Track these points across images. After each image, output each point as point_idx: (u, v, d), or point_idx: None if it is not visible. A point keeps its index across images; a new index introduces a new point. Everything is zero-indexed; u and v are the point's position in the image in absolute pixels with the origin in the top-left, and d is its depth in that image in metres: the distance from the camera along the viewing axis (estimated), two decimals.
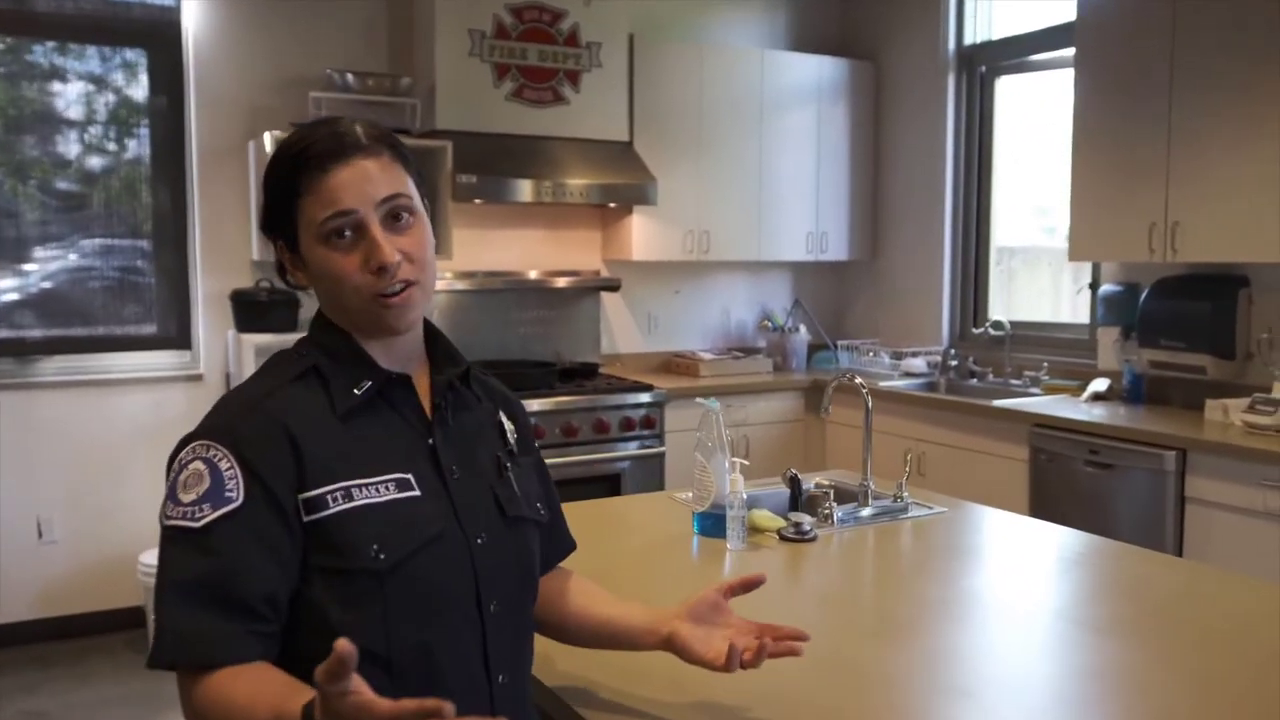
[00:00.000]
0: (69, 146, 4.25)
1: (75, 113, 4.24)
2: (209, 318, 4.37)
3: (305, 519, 1.12)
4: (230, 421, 1.15)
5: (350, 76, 4.19)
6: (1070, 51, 4.35)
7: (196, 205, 4.34)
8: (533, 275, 4.95)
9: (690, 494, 2.30)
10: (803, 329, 5.48)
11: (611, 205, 4.89)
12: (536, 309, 5.02)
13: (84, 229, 4.27)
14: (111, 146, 4.32)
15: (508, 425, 1.35)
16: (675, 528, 2.29)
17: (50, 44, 4.17)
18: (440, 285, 4.59)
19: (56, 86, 4.20)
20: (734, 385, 4.88)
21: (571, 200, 4.56)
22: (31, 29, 4.14)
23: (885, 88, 5.53)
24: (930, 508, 2.40)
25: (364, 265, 1.16)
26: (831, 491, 2.27)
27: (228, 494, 1.09)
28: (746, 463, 2.12)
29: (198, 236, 4.35)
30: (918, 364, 5.01)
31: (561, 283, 4.96)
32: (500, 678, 1.22)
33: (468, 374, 1.29)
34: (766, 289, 5.67)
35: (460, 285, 4.70)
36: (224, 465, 1.10)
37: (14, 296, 4.16)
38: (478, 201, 4.47)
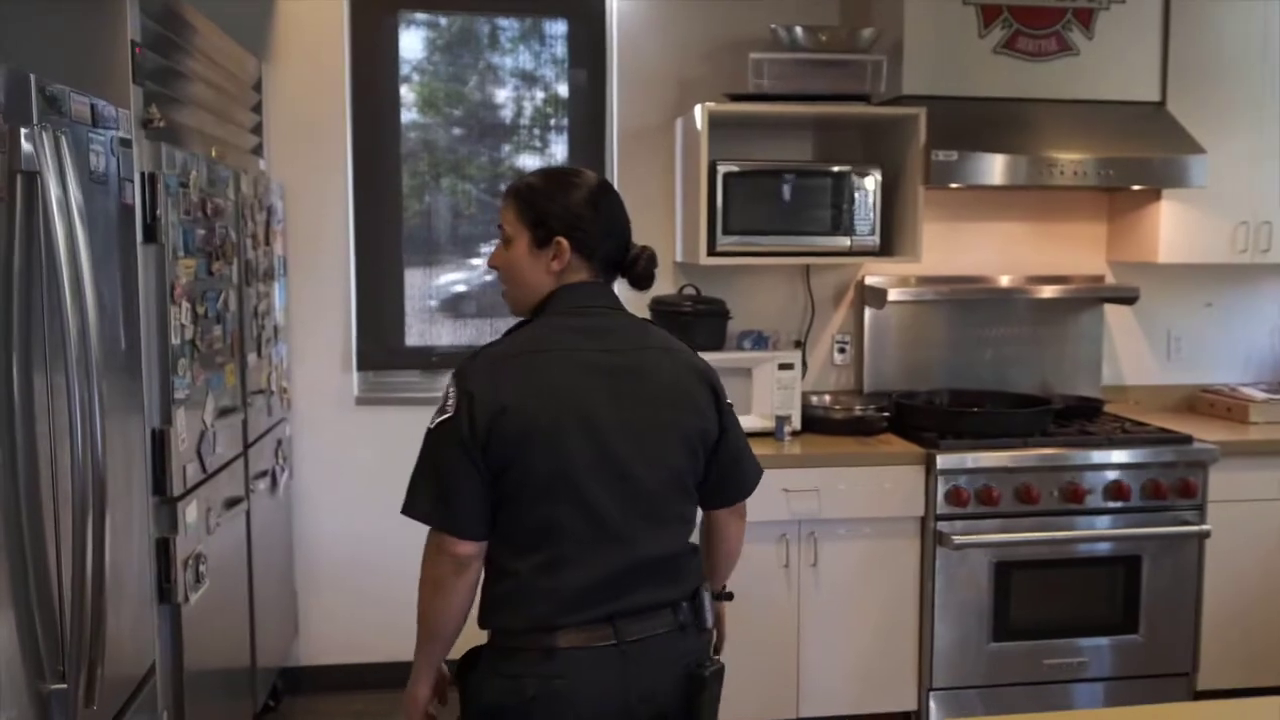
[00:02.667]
0: (503, 144, 3.81)
1: (508, 112, 3.79)
2: None
3: None
4: None
5: (800, 31, 3.33)
6: None
7: None
8: (1007, 282, 3.84)
9: None
10: None
11: (1135, 188, 3.64)
12: (1016, 325, 3.90)
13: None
14: (537, 143, 3.82)
15: None
16: None
17: (484, 42, 3.73)
18: (894, 295, 3.63)
19: (490, 86, 3.76)
20: None
21: (1070, 182, 3.39)
22: (458, 2, 3.71)
23: None
24: None
25: None
26: None
27: None
28: None
29: None
30: None
31: (1050, 292, 3.79)
32: None
33: None
34: None
35: (915, 294, 3.70)
36: None
37: (432, 303, 3.79)
38: (954, 185, 3.44)
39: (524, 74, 3.79)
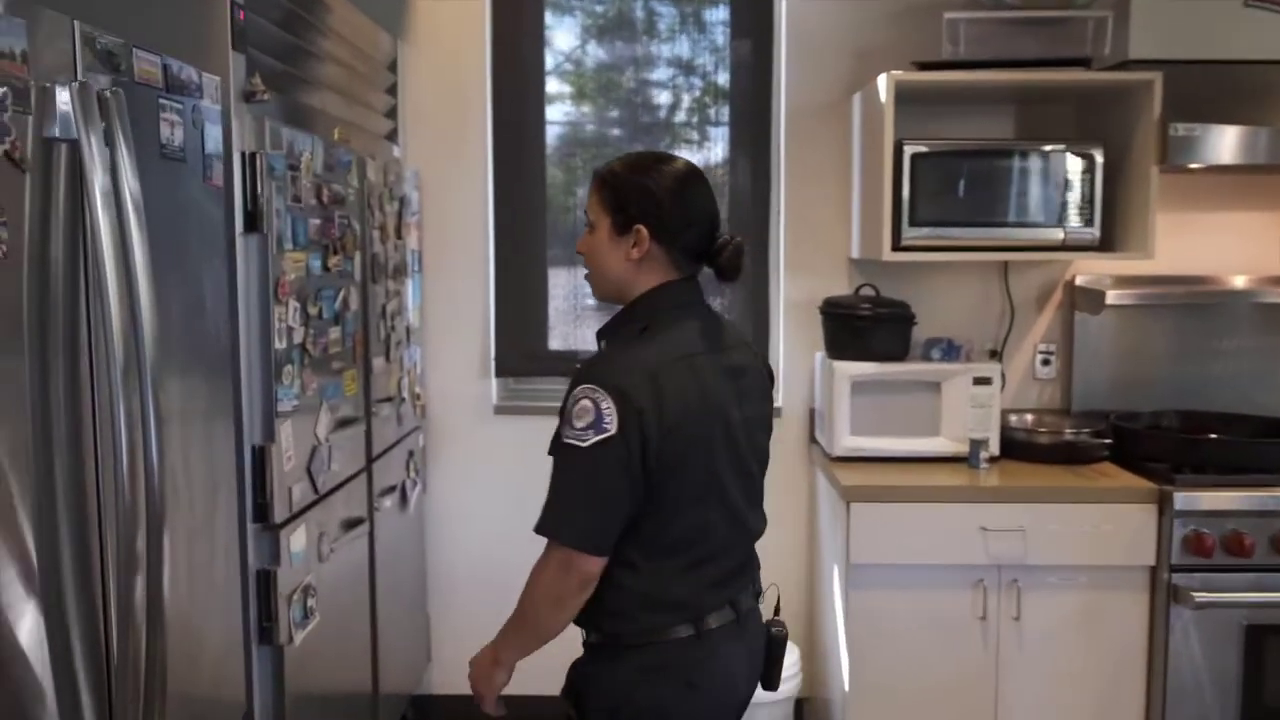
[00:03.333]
0: (659, 139, 3.44)
1: (664, 103, 3.42)
2: (791, 335, 3.31)
3: None
4: None
5: None
6: None
7: (782, 184, 3.30)
8: (1247, 283, 3.22)
9: None
10: None
11: None
12: (1259, 335, 3.26)
13: None
14: (695, 135, 3.44)
15: None
16: None
17: (639, 28, 3.37)
18: (1113, 297, 3.07)
19: (645, 76, 3.41)
20: None
21: None
22: None
23: None
24: None
25: None
26: None
27: None
28: None
29: (781, 225, 3.31)
30: None
31: None
32: None
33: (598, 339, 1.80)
34: None
35: (1140, 297, 3.12)
36: None
37: (590, 302, 3.45)
38: (1194, 166, 2.87)
39: (682, 63, 3.41)
